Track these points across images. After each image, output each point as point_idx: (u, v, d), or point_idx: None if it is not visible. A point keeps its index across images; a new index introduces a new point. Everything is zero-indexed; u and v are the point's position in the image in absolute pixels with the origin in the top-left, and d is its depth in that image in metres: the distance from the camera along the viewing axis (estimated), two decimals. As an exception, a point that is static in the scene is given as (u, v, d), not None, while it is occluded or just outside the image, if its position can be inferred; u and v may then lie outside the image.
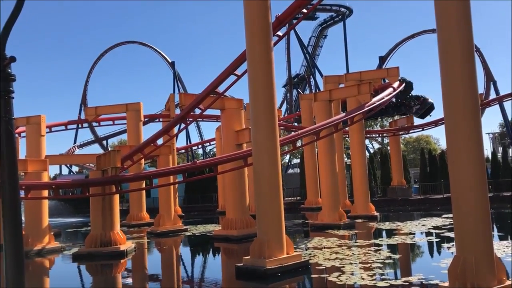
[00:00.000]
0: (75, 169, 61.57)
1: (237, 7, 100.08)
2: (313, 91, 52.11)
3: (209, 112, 28.12)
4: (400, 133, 43.85)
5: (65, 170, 59.84)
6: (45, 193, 20.76)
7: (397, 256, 14.96)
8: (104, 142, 62.35)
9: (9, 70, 3.27)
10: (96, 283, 15.05)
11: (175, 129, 27.64)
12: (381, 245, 17.20)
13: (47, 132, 26.51)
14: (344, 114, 24.80)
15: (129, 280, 15.08)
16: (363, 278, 11.57)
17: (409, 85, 33.15)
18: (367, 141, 54.75)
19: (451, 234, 17.20)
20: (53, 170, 54.67)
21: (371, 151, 64.89)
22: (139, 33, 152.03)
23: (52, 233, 22.04)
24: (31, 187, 18.87)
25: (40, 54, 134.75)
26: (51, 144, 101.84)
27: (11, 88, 3.28)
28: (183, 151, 59.83)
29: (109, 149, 48.50)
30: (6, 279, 3.01)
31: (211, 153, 65.57)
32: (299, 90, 63.93)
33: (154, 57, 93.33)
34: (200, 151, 68.81)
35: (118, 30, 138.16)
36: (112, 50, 63.65)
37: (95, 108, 34.77)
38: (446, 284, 9.04)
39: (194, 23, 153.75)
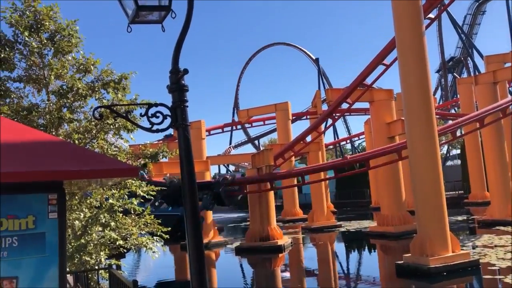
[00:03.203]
0: (231, 168, 65.95)
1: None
2: (472, 74, 47.24)
3: (356, 105, 27.52)
4: None
5: (223, 170, 64.57)
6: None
7: None
8: (256, 141, 65.49)
9: (182, 81, 3.66)
10: (258, 276, 15.93)
11: (323, 125, 27.74)
12: None
13: (206, 135, 29.00)
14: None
15: (287, 274, 15.60)
16: (549, 283, 10.11)
17: None
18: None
19: None
20: (212, 169, 59.32)
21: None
22: (282, 33, 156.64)
23: (216, 228, 24.03)
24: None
25: (197, 64, 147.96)
26: (209, 145, 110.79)
27: (185, 98, 3.67)
28: (331, 147, 59.67)
29: (261, 148, 50.94)
30: (190, 269, 3.44)
31: (359, 147, 64.18)
32: (455, 74, 58.62)
33: (298, 55, 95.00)
34: (348, 146, 67.81)
35: (264, 33, 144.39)
36: (259, 53, 66.47)
37: (247, 110, 36.83)
38: None
39: (336, 18, 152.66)
